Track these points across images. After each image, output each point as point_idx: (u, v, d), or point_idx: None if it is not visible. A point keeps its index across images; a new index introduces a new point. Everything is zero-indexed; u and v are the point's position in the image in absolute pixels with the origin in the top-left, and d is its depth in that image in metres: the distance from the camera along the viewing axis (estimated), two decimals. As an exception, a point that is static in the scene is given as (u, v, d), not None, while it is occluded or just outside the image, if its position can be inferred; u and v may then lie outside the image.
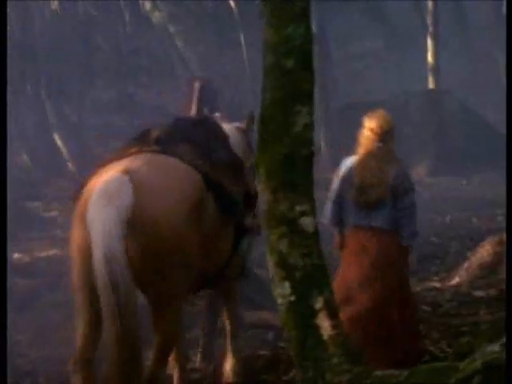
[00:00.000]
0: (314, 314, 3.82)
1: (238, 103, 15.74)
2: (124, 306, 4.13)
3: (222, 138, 5.66)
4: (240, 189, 5.54)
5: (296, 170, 3.79)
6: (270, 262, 3.92)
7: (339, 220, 5.77)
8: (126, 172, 4.38)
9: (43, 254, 10.90)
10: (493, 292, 7.34)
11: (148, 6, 16.85)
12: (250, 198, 5.74)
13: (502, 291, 7.34)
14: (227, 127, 6.03)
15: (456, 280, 8.23)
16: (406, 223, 5.65)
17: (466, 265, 8.29)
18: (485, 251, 8.11)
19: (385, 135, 5.63)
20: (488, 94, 17.44)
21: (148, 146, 4.91)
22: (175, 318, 4.62)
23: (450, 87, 16.94)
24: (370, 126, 5.65)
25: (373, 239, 5.64)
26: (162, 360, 4.72)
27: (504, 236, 8.16)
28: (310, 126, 3.77)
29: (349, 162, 5.83)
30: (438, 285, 8.32)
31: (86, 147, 17.45)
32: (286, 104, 3.77)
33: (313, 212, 3.88)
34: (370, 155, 5.68)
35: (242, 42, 16.89)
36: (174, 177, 4.63)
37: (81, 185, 4.76)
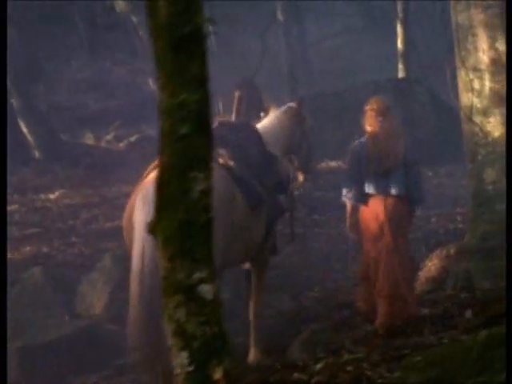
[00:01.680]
0: (212, 384, 3.71)
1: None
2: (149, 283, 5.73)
3: (256, 141, 7.12)
4: (272, 179, 7.00)
5: (193, 237, 3.65)
6: (168, 330, 3.79)
7: (361, 194, 6.91)
8: None
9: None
10: (439, 311, 7.25)
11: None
12: (282, 183, 7.18)
13: (447, 309, 7.27)
14: (275, 113, 7.40)
15: (404, 294, 8.10)
16: (416, 189, 6.83)
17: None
18: (432, 265, 8.02)
19: (382, 111, 6.91)
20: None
21: None
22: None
23: (420, 74, 16.76)
24: (369, 107, 6.96)
25: (389, 205, 6.74)
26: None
27: (451, 250, 8.06)
28: (207, 193, 3.62)
29: (358, 141, 6.95)
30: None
31: (53, 134, 17.18)
32: (182, 170, 3.62)
33: (212, 279, 3.74)
34: (377, 129, 6.84)
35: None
36: None
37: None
